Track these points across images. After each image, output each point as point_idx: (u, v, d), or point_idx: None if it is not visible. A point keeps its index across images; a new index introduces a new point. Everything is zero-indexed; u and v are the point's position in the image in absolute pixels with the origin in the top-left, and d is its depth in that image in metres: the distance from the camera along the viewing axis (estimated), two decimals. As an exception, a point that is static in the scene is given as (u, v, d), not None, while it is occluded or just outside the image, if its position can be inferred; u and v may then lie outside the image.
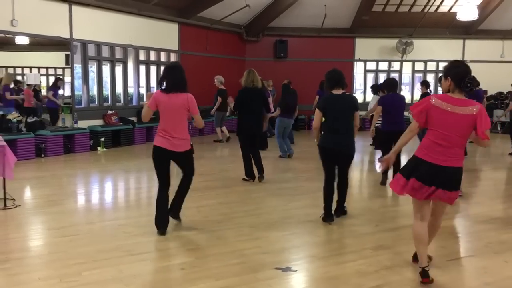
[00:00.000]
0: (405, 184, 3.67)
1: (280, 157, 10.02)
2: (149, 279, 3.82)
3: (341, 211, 5.57)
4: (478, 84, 3.79)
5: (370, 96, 13.75)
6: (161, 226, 4.85)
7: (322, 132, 5.41)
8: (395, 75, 17.46)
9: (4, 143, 5.83)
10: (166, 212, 4.95)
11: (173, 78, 4.79)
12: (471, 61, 16.84)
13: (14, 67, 11.65)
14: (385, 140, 7.57)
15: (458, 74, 3.57)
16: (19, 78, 11.58)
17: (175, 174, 5.16)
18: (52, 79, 12.06)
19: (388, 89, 7.74)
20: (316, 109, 5.38)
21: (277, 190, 7.08)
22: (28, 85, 10.96)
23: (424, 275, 3.68)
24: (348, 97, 5.49)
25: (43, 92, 11.73)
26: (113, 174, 8.33)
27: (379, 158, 6.31)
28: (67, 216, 5.56)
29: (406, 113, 7.73)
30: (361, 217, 5.66)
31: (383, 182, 7.44)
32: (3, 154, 5.67)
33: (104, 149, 10.74)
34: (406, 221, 5.50)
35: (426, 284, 3.68)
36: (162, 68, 10.31)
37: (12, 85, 10.65)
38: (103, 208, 6.23)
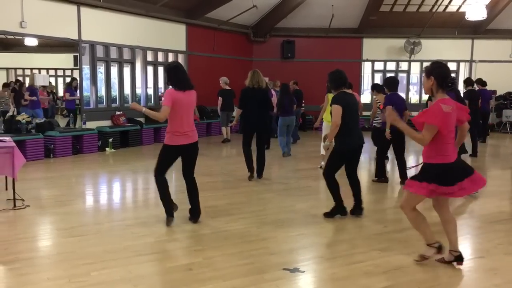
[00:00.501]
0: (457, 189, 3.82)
1: (283, 156, 10.14)
2: (157, 280, 3.83)
3: (360, 208, 5.61)
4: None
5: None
6: (171, 211, 5.20)
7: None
8: (403, 75, 17.40)
9: (13, 144, 5.88)
10: (169, 194, 5.27)
11: (185, 76, 5.10)
12: (480, 61, 16.77)
13: (23, 68, 11.76)
14: (387, 139, 7.56)
15: (441, 74, 3.80)
16: (27, 79, 11.70)
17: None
18: (60, 80, 12.16)
19: (390, 88, 7.71)
20: (337, 106, 5.24)
21: (284, 190, 7.07)
22: (43, 86, 11.07)
23: (440, 249, 3.98)
24: (354, 97, 5.61)
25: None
26: (121, 175, 8.37)
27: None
28: (75, 216, 5.59)
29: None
30: (369, 218, 5.63)
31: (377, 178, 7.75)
32: (12, 155, 5.71)
33: (112, 149, 10.80)
34: (414, 222, 5.47)
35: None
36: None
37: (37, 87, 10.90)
38: (111, 209, 6.26)
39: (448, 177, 3.78)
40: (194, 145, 5.16)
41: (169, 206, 5.21)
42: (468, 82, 10.97)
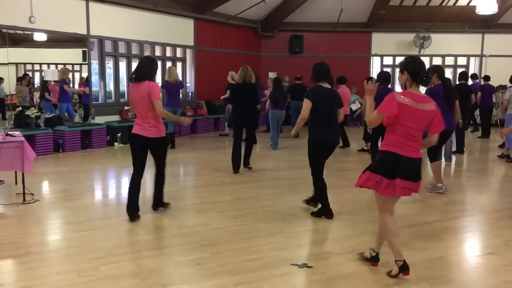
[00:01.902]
0: (387, 184, 3.65)
1: (272, 149, 10.49)
2: (165, 274, 3.84)
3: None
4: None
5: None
6: (133, 213, 5.15)
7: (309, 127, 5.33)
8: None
9: (23, 139, 5.91)
10: (137, 198, 5.23)
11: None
12: (490, 56, 16.60)
13: (32, 64, 11.80)
14: (378, 131, 7.60)
15: (414, 69, 3.71)
16: (37, 74, 11.76)
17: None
18: (69, 75, 12.21)
19: (382, 82, 7.83)
20: (307, 99, 5.19)
21: (292, 186, 7.06)
22: (55, 81, 11.18)
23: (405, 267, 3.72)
24: (335, 92, 5.48)
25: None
26: (129, 169, 8.33)
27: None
28: (85, 210, 5.62)
29: None
30: (377, 215, 5.60)
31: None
32: (22, 150, 5.75)
33: (121, 144, 10.83)
34: (422, 218, 5.46)
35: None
36: (178, 64, 10.34)
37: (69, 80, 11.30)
38: (120, 203, 6.27)
39: (397, 168, 3.64)
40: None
41: (129, 207, 5.19)
42: (460, 76, 10.86)
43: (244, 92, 7.69)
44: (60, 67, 11.85)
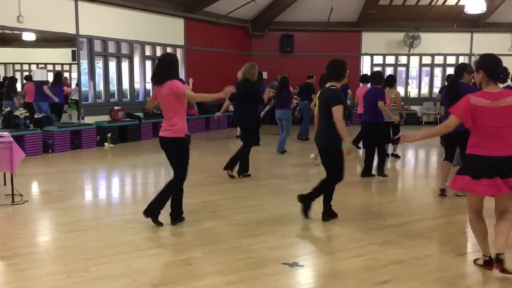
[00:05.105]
0: (471, 183, 3.64)
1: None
2: (156, 274, 3.82)
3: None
4: (509, 74, 3.93)
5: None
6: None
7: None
8: (402, 69, 17.38)
9: (11, 139, 5.86)
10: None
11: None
12: (479, 55, 16.70)
13: (21, 63, 11.72)
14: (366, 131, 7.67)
15: (490, 66, 3.69)
16: (26, 74, 11.68)
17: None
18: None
19: (374, 82, 7.95)
20: (340, 105, 4.92)
21: (283, 186, 7.06)
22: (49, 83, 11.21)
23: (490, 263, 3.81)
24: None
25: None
26: (120, 170, 8.35)
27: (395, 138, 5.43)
28: (74, 211, 5.59)
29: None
30: (368, 213, 5.64)
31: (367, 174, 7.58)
32: (10, 150, 5.70)
33: (111, 144, 10.78)
34: (413, 216, 5.48)
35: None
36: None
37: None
38: (110, 204, 6.25)
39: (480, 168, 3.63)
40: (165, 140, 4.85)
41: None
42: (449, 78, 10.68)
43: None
44: (49, 67, 11.80)
